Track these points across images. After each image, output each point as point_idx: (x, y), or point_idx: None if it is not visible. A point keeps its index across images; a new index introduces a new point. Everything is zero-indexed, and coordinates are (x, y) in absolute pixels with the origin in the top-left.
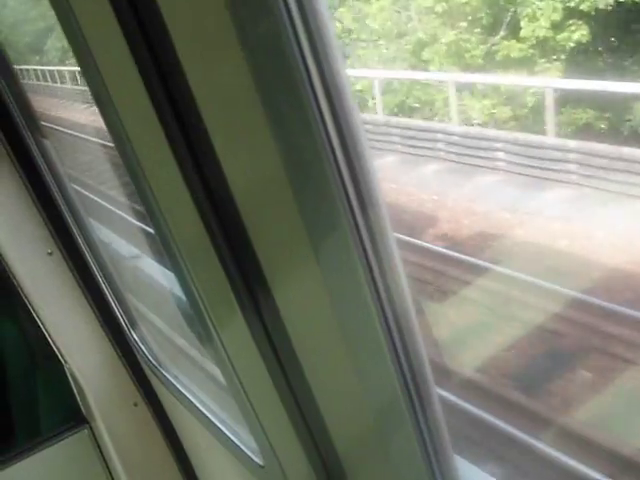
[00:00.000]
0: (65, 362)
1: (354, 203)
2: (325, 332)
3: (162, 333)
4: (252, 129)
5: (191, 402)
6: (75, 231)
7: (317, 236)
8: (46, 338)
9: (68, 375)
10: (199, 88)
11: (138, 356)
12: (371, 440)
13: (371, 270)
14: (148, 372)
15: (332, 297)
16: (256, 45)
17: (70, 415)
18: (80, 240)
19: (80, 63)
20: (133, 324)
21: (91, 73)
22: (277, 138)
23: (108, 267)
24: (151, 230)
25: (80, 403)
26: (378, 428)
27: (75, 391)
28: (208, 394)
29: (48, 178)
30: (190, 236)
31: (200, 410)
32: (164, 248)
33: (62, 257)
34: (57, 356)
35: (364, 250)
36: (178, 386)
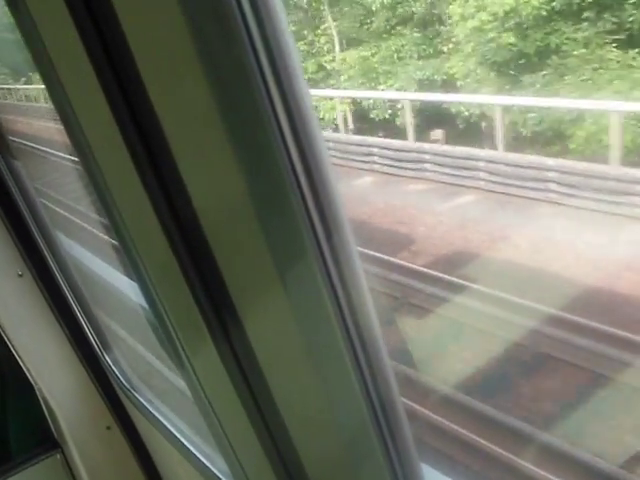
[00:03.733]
0: (36, 385)
1: (317, 226)
2: (293, 356)
3: (136, 355)
4: (215, 154)
5: (164, 426)
6: (46, 252)
7: (282, 259)
8: (17, 361)
9: (39, 398)
10: (162, 107)
11: (111, 379)
12: (344, 469)
13: (335, 291)
14: (121, 395)
15: (298, 321)
16: (218, 67)
17: (41, 439)
18: (51, 261)
19: (45, 82)
20: (106, 347)
21: (56, 92)
22: (240, 163)
23: (80, 289)
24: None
25: (52, 427)
26: (351, 457)
27: (47, 415)
28: (182, 417)
29: (18, 199)
30: (158, 260)
31: (173, 434)
32: (134, 272)
33: (33, 279)
34: (28, 379)
35: (328, 272)
36: (151, 409)
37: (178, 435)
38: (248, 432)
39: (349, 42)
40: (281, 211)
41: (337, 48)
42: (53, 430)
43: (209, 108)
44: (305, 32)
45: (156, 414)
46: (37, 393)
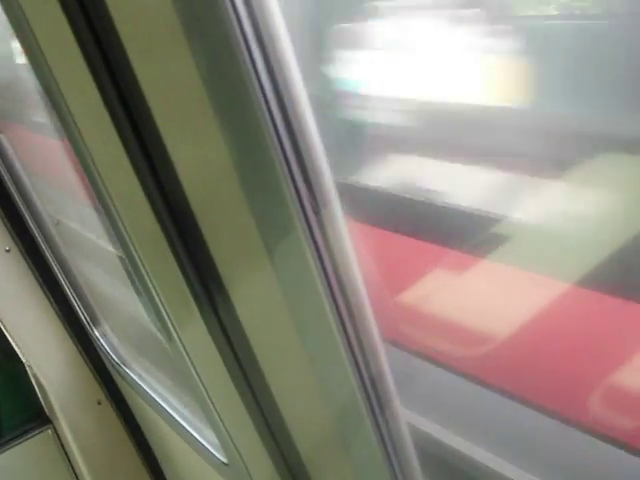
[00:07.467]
0: (26, 361)
1: (305, 200)
2: (281, 330)
3: (125, 330)
4: (202, 130)
5: (155, 400)
6: (33, 228)
7: (269, 234)
8: (5, 336)
9: (29, 374)
10: (149, 88)
11: (101, 354)
12: (331, 439)
13: (324, 268)
14: (111, 370)
15: (286, 294)
16: (204, 45)
17: (32, 415)
18: (38, 237)
19: (32, 63)
20: (95, 321)
21: (43, 72)
22: (226, 137)
23: (68, 264)
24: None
25: (42, 403)
26: (338, 428)
27: (37, 390)
28: (172, 392)
29: (4, 174)
30: (146, 236)
31: (164, 408)
32: (122, 248)
33: (20, 254)
34: (17, 355)
35: (316, 247)
36: (141, 384)
37: (168, 408)
38: (237, 404)
39: None
40: (268, 184)
41: None
42: (44, 406)
43: (193, 79)
44: None
45: (146, 388)
46: (27, 369)
